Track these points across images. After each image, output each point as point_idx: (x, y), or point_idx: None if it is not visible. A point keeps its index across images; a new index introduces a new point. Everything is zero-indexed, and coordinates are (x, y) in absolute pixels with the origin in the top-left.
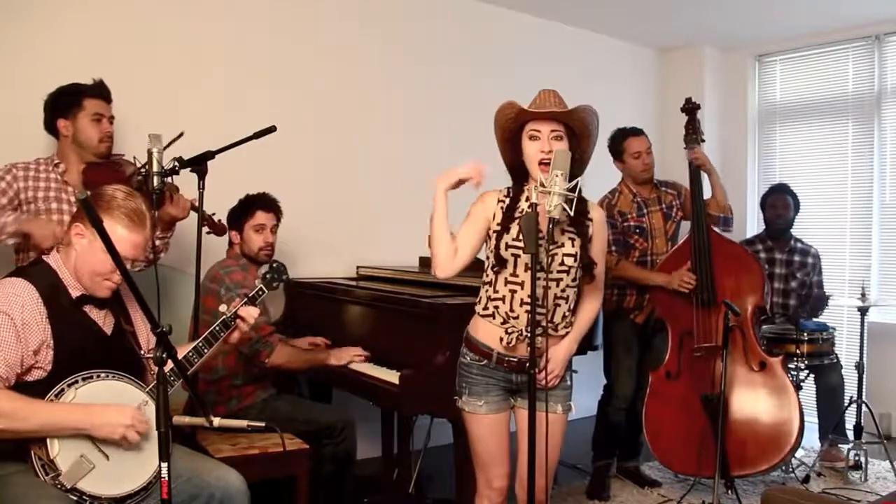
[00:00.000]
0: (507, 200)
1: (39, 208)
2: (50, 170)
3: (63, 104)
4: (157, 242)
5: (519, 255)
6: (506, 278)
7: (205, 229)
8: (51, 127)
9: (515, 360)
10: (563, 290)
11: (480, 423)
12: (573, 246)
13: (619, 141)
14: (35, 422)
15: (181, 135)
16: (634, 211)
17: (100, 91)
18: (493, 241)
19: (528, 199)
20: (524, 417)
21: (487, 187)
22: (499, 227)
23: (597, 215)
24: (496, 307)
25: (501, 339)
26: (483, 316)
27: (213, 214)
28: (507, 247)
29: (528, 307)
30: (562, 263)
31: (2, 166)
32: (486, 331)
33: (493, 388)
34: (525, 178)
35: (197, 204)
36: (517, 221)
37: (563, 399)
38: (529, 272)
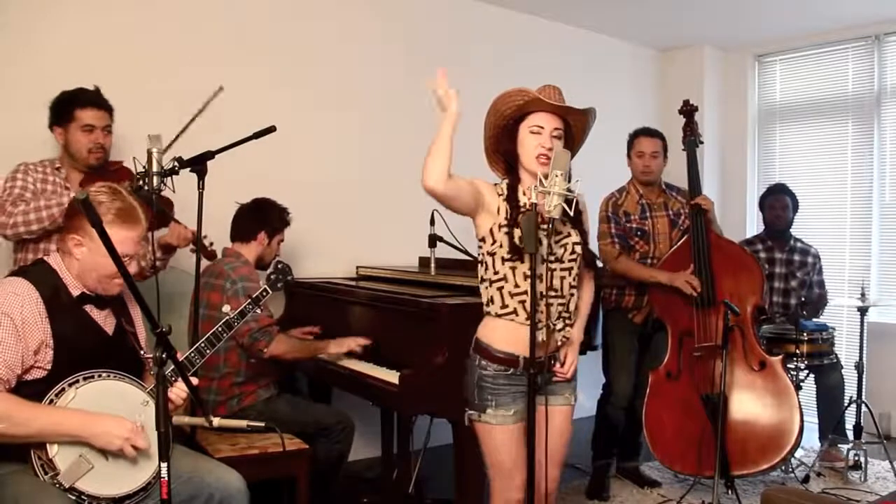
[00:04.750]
0: (507, 191)
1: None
2: (52, 172)
3: (58, 113)
4: (157, 263)
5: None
6: (524, 273)
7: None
8: (52, 130)
9: (542, 358)
10: (574, 279)
11: (507, 433)
12: (576, 234)
13: (632, 138)
14: (34, 427)
15: (221, 89)
16: (638, 213)
17: (94, 101)
18: (506, 234)
19: (525, 193)
20: (543, 414)
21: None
22: (507, 220)
23: (580, 198)
24: (521, 301)
25: None
26: (502, 315)
27: (206, 237)
28: (522, 240)
29: (550, 299)
30: (573, 252)
31: (14, 166)
32: (506, 334)
33: (519, 396)
34: (515, 169)
35: (196, 233)
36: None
37: (573, 388)
38: (546, 264)
